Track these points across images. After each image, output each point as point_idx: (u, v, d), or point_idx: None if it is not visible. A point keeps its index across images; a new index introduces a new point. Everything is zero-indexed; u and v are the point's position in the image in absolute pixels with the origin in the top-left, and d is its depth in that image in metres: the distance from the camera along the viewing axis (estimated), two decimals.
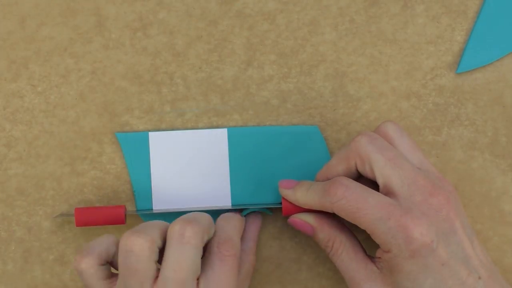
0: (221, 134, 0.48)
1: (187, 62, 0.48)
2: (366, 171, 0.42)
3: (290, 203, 0.44)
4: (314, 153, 0.48)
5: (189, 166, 0.47)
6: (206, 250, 0.41)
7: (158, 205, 0.48)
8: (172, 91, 0.48)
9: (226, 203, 0.47)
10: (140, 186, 0.48)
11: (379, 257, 0.41)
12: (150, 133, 0.48)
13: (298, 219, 0.44)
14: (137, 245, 0.38)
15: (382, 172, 0.41)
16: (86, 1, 0.48)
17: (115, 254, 0.41)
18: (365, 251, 0.43)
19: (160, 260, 0.39)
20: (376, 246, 0.41)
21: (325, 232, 0.43)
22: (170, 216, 0.46)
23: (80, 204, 0.48)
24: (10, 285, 0.48)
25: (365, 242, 0.44)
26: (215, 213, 0.46)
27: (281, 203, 0.46)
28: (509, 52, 0.48)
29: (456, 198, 0.41)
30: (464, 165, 0.48)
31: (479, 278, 0.39)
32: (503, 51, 0.48)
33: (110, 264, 0.41)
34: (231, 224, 0.43)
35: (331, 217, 0.44)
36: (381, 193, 0.41)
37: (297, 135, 0.48)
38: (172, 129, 0.48)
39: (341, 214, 0.40)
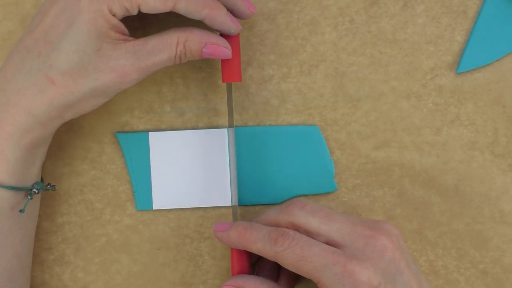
0: (221, 134, 0.48)
1: (187, 62, 0.48)
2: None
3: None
4: (314, 153, 0.48)
5: (189, 166, 0.47)
6: None
7: (158, 205, 0.48)
8: (172, 91, 0.48)
9: (226, 202, 0.47)
10: (140, 186, 0.48)
11: None
12: (150, 133, 0.48)
13: (230, 286, 0.42)
14: None
15: (319, 231, 0.41)
16: None
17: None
18: None
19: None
20: None
21: None
22: (170, 213, 0.46)
23: (80, 204, 0.48)
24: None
25: None
26: (214, 212, 0.46)
27: (282, 202, 0.46)
28: (509, 52, 0.48)
29: (398, 236, 0.41)
30: (464, 165, 0.48)
31: None
32: (503, 51, 0.48)
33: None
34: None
35: (262, 279, 0.43)
36: None
37: (297, 135, 0.48)
38: (172, 129, 0.48)
39: (284, 263, 0.40)
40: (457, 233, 0.48)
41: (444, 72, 0.48)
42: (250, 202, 0.48)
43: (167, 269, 0.48)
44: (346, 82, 0.48)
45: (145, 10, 0.40)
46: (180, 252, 0.48)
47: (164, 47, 0.41)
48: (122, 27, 0.41)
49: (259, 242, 0.41)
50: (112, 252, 0.48)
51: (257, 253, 0.41)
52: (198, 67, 0.48)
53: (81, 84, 0.40)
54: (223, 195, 0.47)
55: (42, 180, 0.44)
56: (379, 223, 0.41)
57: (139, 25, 0.47)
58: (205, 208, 0.48)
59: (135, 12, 0.41)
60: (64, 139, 0.48)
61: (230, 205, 0.47)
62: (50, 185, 0.45)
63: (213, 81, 0.48)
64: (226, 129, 0.47)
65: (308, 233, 0.41)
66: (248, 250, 0.42)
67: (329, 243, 0.40)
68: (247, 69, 0.48)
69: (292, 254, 0.39)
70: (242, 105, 0.48)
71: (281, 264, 0.40)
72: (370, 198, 0.48)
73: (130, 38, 0.41)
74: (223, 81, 0.44)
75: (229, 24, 0.42)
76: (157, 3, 0.40)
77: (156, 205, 0.48)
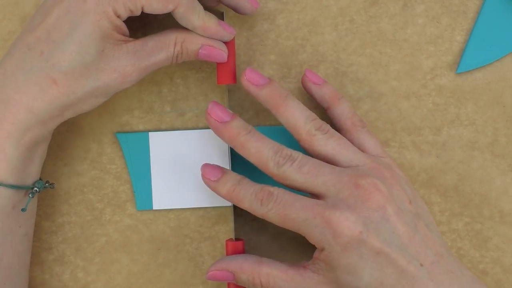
0: None
1: (187, 62, 0.48)
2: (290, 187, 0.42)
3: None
4: None
5: (189, 166, 0.47)
6: None
7: (158, 205, 0.48)
8: (172, 91, 0.48)
9: (226, 202, 0.47)
10: (140, 186, 0.48)
11: (317, 258, 0.40)
12: (150, 133, 0.48)
13: (214, 271, 0.43)
14: None
15: (305, 187, 0.41)
16: None
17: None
18: (293, 264, 0.42)
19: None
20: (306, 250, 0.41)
21: (247, 273, 0.42)
22: (170, 213, 0.46)
23: (80, 204, 0.48)
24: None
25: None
26: (214, 212, 0.46)
27: None
28: (509, 52, 0.48)
29: (392, 182, 0.41)
30: (464, 165, 0.48)
31: (421, 265, 0.39)
32: (503, 51, 0.48)
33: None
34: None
35: (245, 254, 0.43)
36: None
37: None
38: (172, 129, 0.48)
39: (272, 221, 0.41)
40: (457, 233, 0.48)
41: (444, 72, 0.48)
42: None
43: (167, 269, 0.48)
44: (346, 82, 0.48)
45: (147, 10, 0.41)
46: (180, 252, 0.48)
47: (162, 47, 0.42)
48: (124, 28, 0.41)
49: (247, 202, 0.41)
50: (112, 252, 0.48)
51: (246, 209, 0.41)
52: (198, 67, 0.48)
53: (83, 84, 0.41)
54: None
55: (40, 178, 0.44)
56: (375, 170, 0.41)
57: (139, 25, 0.47)
58: (205, 208, 0.48)
59: (138, 13, 0.41)
60: (64, 139, 0.48)
61: (230, 205, 0.47)
62: (49, 183, 0.45)
63: (213, 81, 0.48)
64: None
65: (297, 189, 0.41)
66: (236, 204, 0.42)
67: (314, 195, 0.41)
68: None
69: (276, 214, 0.40)
70: (242, 105, 0.48)
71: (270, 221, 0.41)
72: None
73: (130, 39, 0.42)
74: (218, 83, 0.44)
75: (222, 33, 0.43)
76: (159, 5, 0.41)
77: (156, 205, 0.48)
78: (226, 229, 0.48)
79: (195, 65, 0.48)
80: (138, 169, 0.48)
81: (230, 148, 0.47)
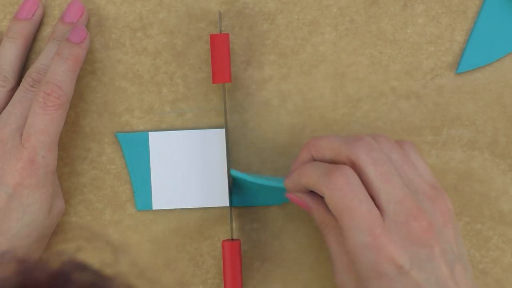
0: (221, 134, 0.48)
1: (187, 62, 0.48)
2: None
3: None
4: None
5: (189, 166, 0.47)
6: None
7: (158, 205, 0.48)
8: (172, 91, 0.48)
9: (226, 203, 0.47)
10: (140, 186, 0.48)
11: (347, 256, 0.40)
12: (150, 133, 0.48)
13: (296, 196, 0.43)
14: None
15: (371, 184, 0.39)
16: (86, 1, 0.48)
17: None
18: (345, 252, 0.42)
19: None
20: None
21: (320, 215, 0.42)
22: (170, 213, 0.46)
23: (80, 204, 0.48)
24: None
25: None
26: (214, 212, 0.46)
27: (282, 203, 0.47)
28: (509, 52, 0.48)
29: (445, 219, 0.40)
30: (464, 165, 0.48)
31: None
32: (503, 51, 0.48)
33: None
34: (64, 67, 0.43)
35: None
36: None
37: None
38: (172, 129, 0.48)
39: (329, 203, 0.39)
40: None
41: (444, 72, 0.48)
42: (250, 203, 0.48)
43: (167, 269, 0.48)
44: (346, 82, 0.48)
45: None
46: (180, 252, 0.48)
47: None
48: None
49: (315, 175, 0.40)
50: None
51: (311, 187, 0.41)
52: (198, 67, 0.48)
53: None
54: (222, 195, 0.47)
55: None
56: (434, 203, 0.40)
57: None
58: (205, 208, 0.48)
59: None
60: (64, 139, 0.48)
61: (229, 205, 0.47)
62: None
63: None
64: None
65: (360, 178, 0.40)
66: (305, 185, 0.41)
67: (373, 200, 0.39)
68: (247, 69, 0.48)
69: (340, 199, 0.39)
70: (242, 105, 0.48)
71: (326, 202, 0.40)
72: None
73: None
74: (213, 82, 0.44)
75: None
76: None
77: (156, 205, 0.48)
78: (226, 229, 0.48)
79: (195, 65, 0.48)
80: (138, 169, 0.48)
81: (229, 149, 0.47)
